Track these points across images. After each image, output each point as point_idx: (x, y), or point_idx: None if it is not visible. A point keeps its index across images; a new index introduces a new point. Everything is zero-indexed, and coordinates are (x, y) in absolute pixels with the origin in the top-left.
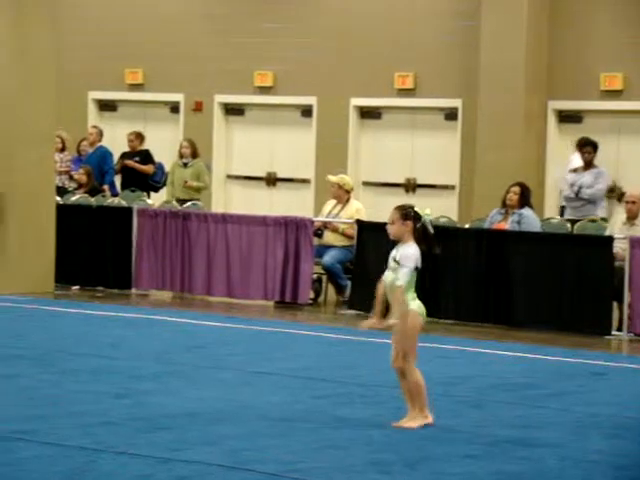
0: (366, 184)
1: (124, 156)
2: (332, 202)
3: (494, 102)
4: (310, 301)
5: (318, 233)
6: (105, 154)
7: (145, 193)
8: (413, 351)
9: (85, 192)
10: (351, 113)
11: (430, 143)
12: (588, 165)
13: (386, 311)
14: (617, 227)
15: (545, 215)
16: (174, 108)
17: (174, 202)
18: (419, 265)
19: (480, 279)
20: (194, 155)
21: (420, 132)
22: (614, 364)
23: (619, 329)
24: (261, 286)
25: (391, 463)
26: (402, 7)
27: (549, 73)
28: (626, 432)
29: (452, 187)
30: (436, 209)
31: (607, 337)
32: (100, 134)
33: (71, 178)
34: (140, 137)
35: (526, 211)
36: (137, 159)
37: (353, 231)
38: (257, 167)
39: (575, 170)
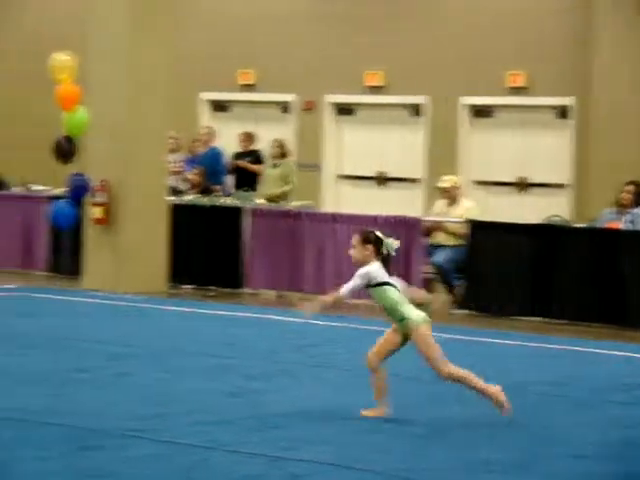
0: (477, 183)
1: (236, 156)
2: (442, 201)
3: (609, 99)
4: None
5: (427, 233)
6: (217, 154)
7: (256, 193)
8: (440, 356)
9: (198, 192)
10: (462, 112)
11: (542, 142)
12: None
13: None
14: None
15: None
16: (285, 108)
17: (264, 201)
18: (385, 279)
19: (592, 279)
20: (283, 155)
21: (532, 131)
22: None
23: None
24: None
25: (501, 463)
26: (513, 5)
27: None
28: None
29: (564, 186)
30: (548, 208)
31: None
32: (212, 135)
33: (184, 179)
34: (251, 137)
35: None
36: (249, 159)
37: (464, 230)
38: (367, 167)
39: None
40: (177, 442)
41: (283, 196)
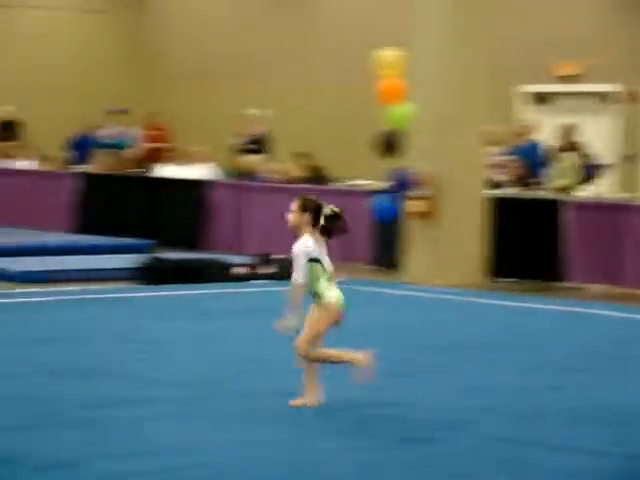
0: None
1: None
2: None
3: None
4: None
5: None
6: (536, 147)
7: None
8: (319, 337)
9: (518, 185)
10: None
11: None
12: None
13: None
14: None
15: None
16: (606, 99)
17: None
18: (314, 255)
19: None
20: (569, 148)
21: None
22: None
23: None
24: None
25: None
26: None
27: None
28: None
29: None
30: None
31: None
32: (531, 127)
33: (504, 172)
34: (571, 130)
35: None
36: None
37: None
38: None
39: None
40: (493, 435)
41: (570, 188)
